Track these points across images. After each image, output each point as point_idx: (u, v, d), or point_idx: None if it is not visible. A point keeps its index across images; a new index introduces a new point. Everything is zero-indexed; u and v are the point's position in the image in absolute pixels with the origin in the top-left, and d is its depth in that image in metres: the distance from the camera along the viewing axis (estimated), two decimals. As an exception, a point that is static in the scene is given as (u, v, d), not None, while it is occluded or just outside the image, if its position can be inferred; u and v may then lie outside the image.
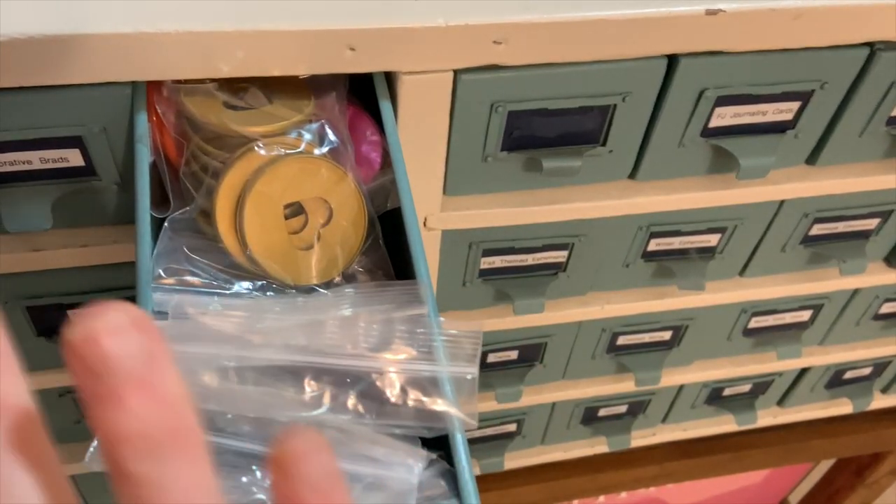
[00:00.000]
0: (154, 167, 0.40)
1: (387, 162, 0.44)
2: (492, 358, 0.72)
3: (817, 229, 0.66)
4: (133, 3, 0.39)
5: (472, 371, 0.34)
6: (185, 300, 0.35)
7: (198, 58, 0.39)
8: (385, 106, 0.43)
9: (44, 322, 0.55)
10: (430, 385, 0.34)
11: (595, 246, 0.62)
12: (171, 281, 0.37)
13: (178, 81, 0.41)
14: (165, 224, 0.39)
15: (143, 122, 0.40)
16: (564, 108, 0.49)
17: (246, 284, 0.39)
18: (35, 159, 0.43)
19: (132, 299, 0.53)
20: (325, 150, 0.41)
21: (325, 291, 0.39)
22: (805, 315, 0.78)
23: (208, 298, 0.37)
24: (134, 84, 0.41)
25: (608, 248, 0.62)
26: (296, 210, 0.41)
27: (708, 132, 0.53)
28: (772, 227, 0.65)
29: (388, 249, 0.43)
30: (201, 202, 0.40)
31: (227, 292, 0.38)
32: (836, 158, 0.58)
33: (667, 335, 0.76)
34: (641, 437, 0.93)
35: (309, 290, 0.40)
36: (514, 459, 0.90)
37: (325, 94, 0.43)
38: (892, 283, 0.73)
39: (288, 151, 0.40)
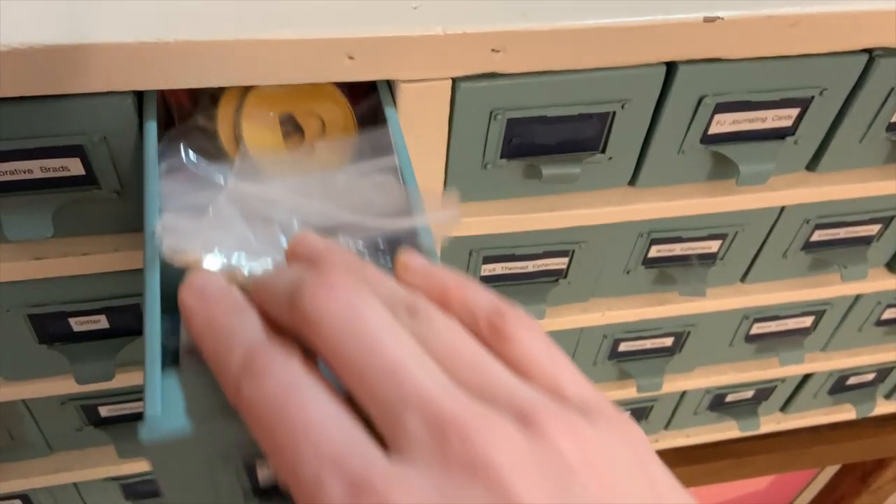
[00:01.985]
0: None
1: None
2: (493, 365, 0.72)
3: (818, 235, 0.66)
4: (133, 12, 0.39)
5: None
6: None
7: (196, 67, 0.39)
8: (391, 113, 0.43)
9: (45, 330, 0.55)
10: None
11: (596, 253, 0.62)
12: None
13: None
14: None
15: (152, 132, 0.40)
16: (563, 115, 0.49)
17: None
18: (36, 168, 0.44)
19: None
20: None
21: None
22: (807, 321, 0.78)
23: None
24: (142, 94, 0.41)
25: (609, 254, 0.62)
26: (291, 131, 0.43)
27: (707, 139, 0.53)
28: (773, 234, 0.65)
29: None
30: (201, 121, 0.42)
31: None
32: (836, 164, 0.58)
33: (668, 341, 0.76)
34: (644, 444, 0.93)
35: None
36: (517, 466, 0.90)
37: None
38: (894, 289, 0.73)
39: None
